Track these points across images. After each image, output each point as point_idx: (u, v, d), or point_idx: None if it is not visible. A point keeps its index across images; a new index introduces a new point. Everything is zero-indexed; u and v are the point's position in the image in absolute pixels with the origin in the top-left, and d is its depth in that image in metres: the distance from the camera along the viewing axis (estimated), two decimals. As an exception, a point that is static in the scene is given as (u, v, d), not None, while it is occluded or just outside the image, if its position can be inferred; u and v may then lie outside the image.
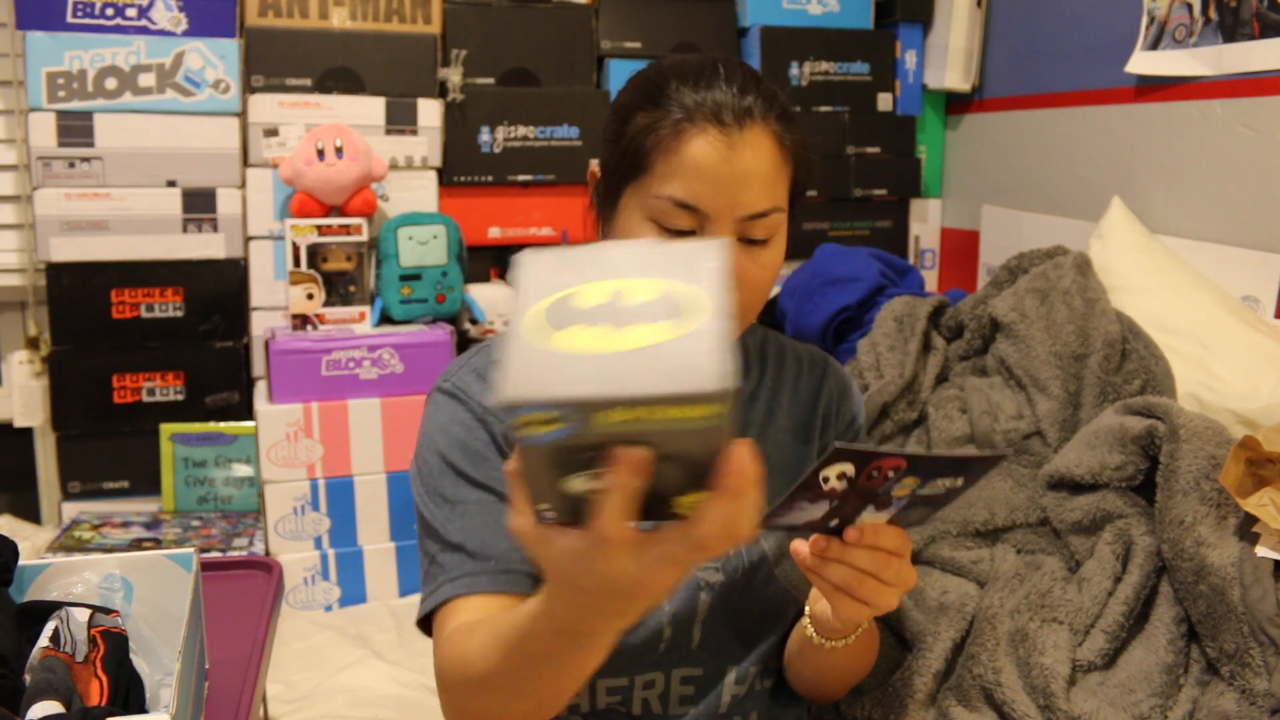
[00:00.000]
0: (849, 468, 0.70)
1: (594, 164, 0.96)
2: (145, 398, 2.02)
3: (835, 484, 0.72)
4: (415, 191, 2.13)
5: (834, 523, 0.78)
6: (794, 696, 1.04)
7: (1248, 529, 1.12)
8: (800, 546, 0.81)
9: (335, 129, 1.96)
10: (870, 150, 2.39)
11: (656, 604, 0.62)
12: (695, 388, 0.47)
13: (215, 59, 1.99)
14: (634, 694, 0.97)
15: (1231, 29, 1.66)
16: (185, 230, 2.01)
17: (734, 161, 0.85)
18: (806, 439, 1.01)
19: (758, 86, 0.88)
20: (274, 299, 2.06)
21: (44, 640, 0.74)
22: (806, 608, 0.93)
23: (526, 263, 0.54)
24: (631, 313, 0.50)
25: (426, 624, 0.90)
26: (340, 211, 2.00)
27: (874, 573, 0.78)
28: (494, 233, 2.21)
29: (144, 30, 1.97)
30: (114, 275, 1.98)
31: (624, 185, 0.89)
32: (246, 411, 2.05)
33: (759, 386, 1.01)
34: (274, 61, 2.03)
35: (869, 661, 1.04)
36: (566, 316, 0.50)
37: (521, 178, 2.19)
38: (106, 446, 2.02)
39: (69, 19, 1.93)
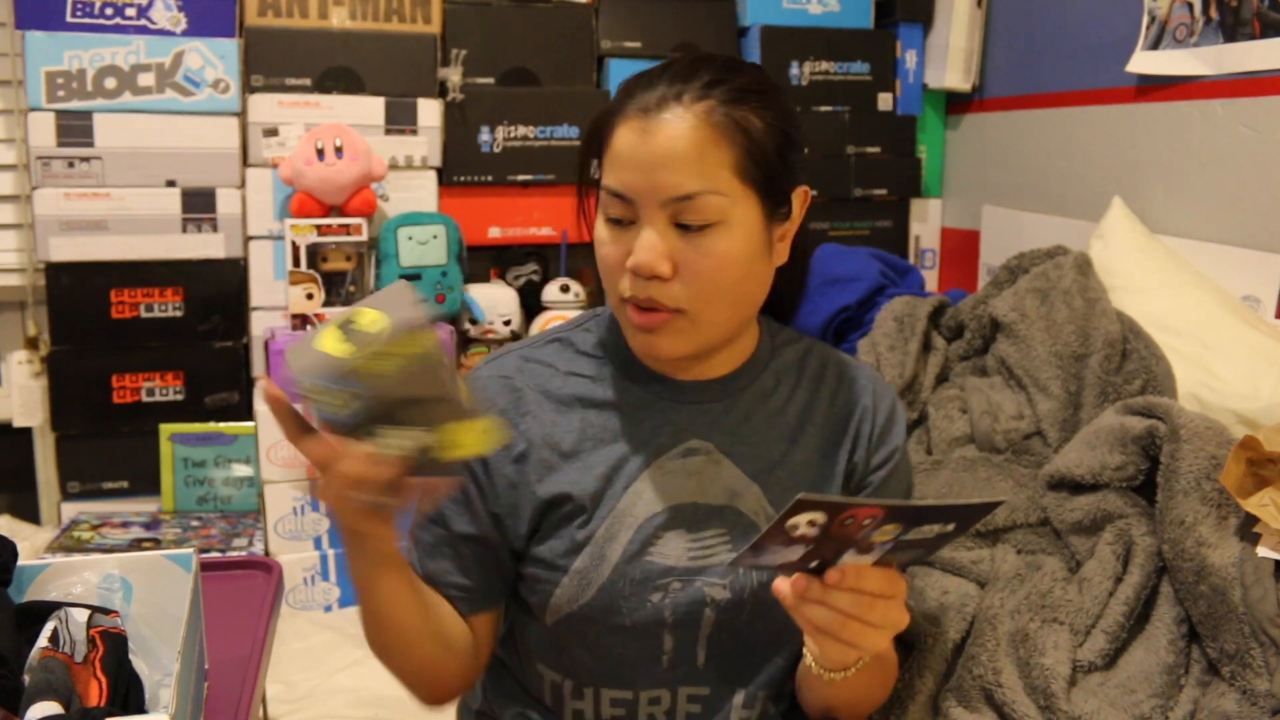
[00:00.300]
0: (819, 515, 0.70)
1: None
2: (145, 398, 2.02)
3: (805, 530, 0.71)
4: (415, 191, 2.13)
5: (814, 564, 0.76)
6: None
7: (1248, 529, 1.12)
8: (782, 585, 0.79)
9: (335, 129, 1.96)
10: (870, 150, 2.39)
11: (359, 543, 0.83)
12: (328, 384, 0.72)
13: (215, 59, 1.99)
14: (639, 709, 0.96)
15: (1232, 29, 1.66)
16: (185, 230, 2.00)
17: (648, 144, 0.84)
18: (833, 457, 0.98)
19: (709, 71, 0.86)
20: (274, 299, 2.06)
21: (43, 640, 0.74)
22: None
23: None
24: (355, 333, 0.73)
25: None
26: (340, 211, 2.00)
27: (857, 615, 0.76)
28: (494, 233, 2.21)
29: (143, 30, 1.97)
30: (114, 275, 1.97)
31: (595, 187, 0.92)
32: (246, 411, 2.05)
33: (788, 402, 0.98)
34: (274, 61, 2.03)
35: (881, 691, 1.01)
36: (341, 326, 0.74)
37: (521, 178, 2.18)
38: (106, 446, 2.02)
39: (68, 18, 1.93)
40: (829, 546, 0.73)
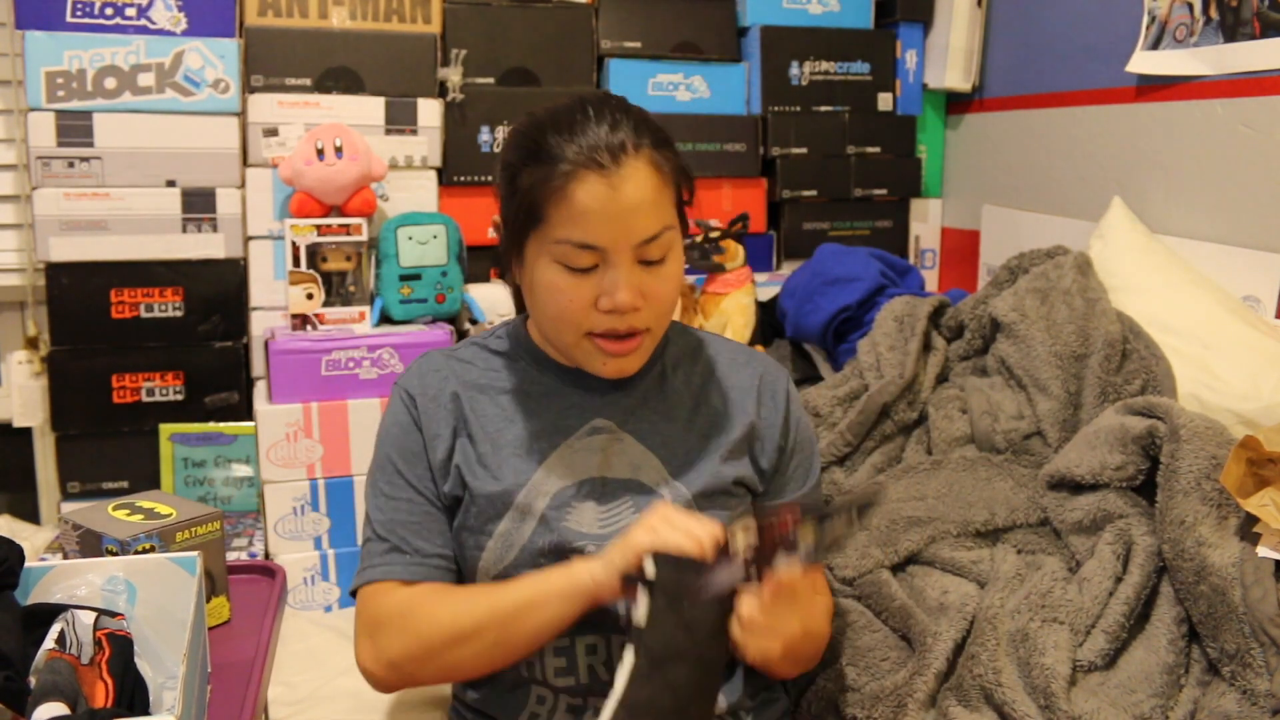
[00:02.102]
0: (750, 524, 0.88)
1: (496, 218, 1.06)
2: (145, 398, 2.02)
3: (744, 543, 0.88)
4: (415, 191, 2.13)
5: (755, 573, 0.88)
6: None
7: (1248, 529, 1.12)
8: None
9: (335, 129, 1.96)
10: (870, 150, 2.39)
11: None
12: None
13: (215, 58, 1.99)
14: (578, 658, 1.03)
15: (1232, 28, 1.66)
16: (185, 230, 2.00)
17: (618, 199, 0.94)
18: (727, 429, 1.08)
19: (626, 119, 0.97)
20: (274, 299, 2.05)
21: (49, 642, 0.75)
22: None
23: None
24: (143, 510, 1.06)
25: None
26: (340, 211, 2.00)
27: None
28: (494, 233, 2.21)
29: (143, 30, 1.97)
30: (113, 275, 1.97)
31: (525, 235, 0.99)
32: (246, 411, 2.05)
33: (684, 384, 1.10)
34: (274, 61, 2.03)
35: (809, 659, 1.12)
36: (124, 506, 1.08)
37: (521, 177, 2.18)
38: (106, 446, 2.02)
39: (68, 18, 1.93)
40: (765, 554, 0.87)
